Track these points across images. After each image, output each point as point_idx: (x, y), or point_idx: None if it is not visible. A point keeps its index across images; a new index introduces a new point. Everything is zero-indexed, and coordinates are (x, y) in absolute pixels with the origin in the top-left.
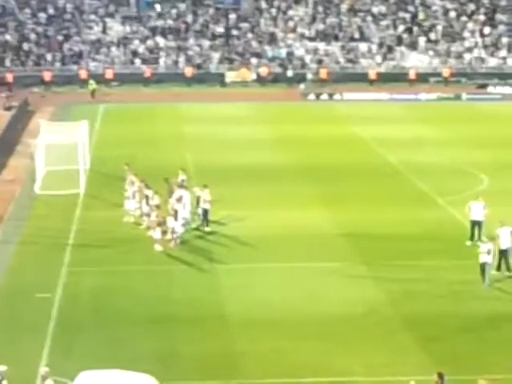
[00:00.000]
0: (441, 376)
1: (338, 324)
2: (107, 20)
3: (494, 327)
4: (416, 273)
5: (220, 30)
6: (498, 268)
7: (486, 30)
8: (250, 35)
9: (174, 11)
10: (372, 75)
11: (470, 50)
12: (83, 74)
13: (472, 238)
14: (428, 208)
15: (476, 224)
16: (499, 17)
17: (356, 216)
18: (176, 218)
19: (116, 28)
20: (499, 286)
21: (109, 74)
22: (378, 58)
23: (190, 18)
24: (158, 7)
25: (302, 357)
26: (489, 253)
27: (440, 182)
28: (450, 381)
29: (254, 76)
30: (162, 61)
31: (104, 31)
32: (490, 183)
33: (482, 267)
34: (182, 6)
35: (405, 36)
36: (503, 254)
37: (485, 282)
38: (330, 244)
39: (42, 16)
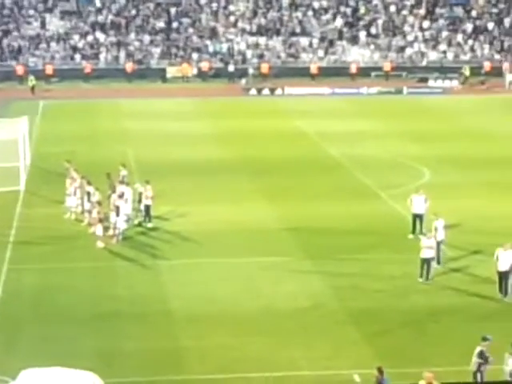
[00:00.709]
0: (380, 371)
1: (283, 318)
2: (46, 15)
3: (435, 320)
4: (359, 267)
5: (161, 25)
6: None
7: (426, 24)
8: (190, 30)
9: (114, 6)
10: (313, 70)
11: (410, 44)
12: (20, 69)
13: (414, 231)
14: (370, 202)
15: (417, 217)
16: (439, 11)
17: (299, 210)
18: (118, 214)
19: (55, 23)
20: (438, 280)
21: (48, 70)
22: (320, 53)
23: (130, 13)
24: (97, 2)
25: (247, 352)
26: (431, 248)
27: (382, 175)
28: (392, 374)
29: (195, 71)
30: (102, 56)
31: (43, 26)
32: (431, 176)
33: (425, 262)
34: (122, 1)
35: (346, 30)
36: (438, 245)
37: (424, 276)
38: (273, 238)
39: None
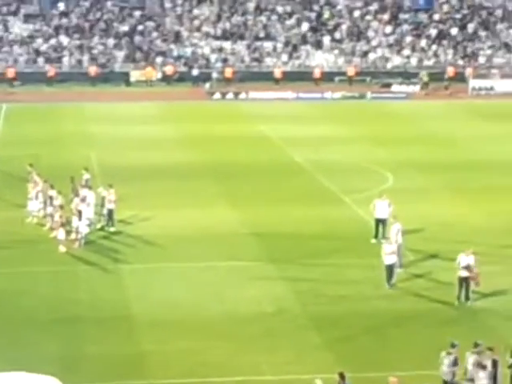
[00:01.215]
0: (342, 376)
1: (245, 323)
2: (9, 18)
3: (397, 325)
4: (322, 271)
5: (125, 28)
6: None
7: (390, 29)
8: (154, 34)
9: (78, 10)
10: (277, 74)
11: (374, 49)
12: None
13: (377, 235)
14: (334, 206)
15: (380, 222)
16: (403, 16)
17: (263, 214)
18: (80, 219)
19: (19, 26)
20: (402, 286)
21: (11, 73)
22: (284, 57)
23: (94, 17)
24: (61, 5)
25: (209, 356)
26: (393, 253)
27: (346, 180)
28: (354, 378)
29: (159, 75)
30: (65, 60)
31: (6, 29)
32: (394, 181)
33: (388, 268)
34: (86, 5)
35: (310, 35)
36: (398, 249)
37: (390, 282)
38: (237, 243)
39: None
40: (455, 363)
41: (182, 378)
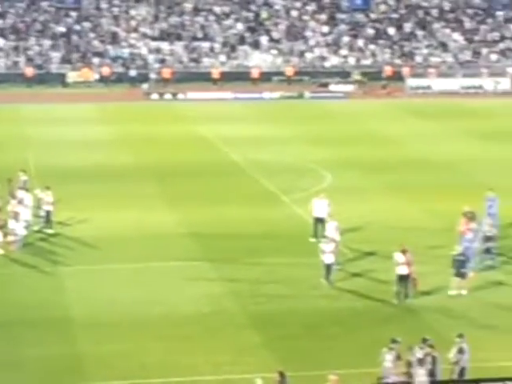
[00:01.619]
0: (282, 375)
1: (184, 323)
2: None
3: (337, 323)
4: (261, 270)
5: (61, 29)
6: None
7: (328, 29)
8: (91, 35)
9: (13, 11)
10: (215, 74)
11: (312, 48)
12: None
13: (315, 235)
14: (273, 206)
15: (319, 221)
16: (340, 16)
17: (201, 215)
18: (17, 221)
19: None
20: (340, 284)
21: None
22: (222, 58)
23: (30, 18)
24: None
25: (148, 357)
26: (332, 252)
27: (284, 179)
28: (295, 377)
29: (96, 76)
30: (1, 61)
31: None
32: (333, 180)
33: (327, 267)
34: (22, 6)
35: (247, 35)
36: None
37: (329, 280)
38: (175, 243)
39: None
40: (398, 359)
41: (121, 380)
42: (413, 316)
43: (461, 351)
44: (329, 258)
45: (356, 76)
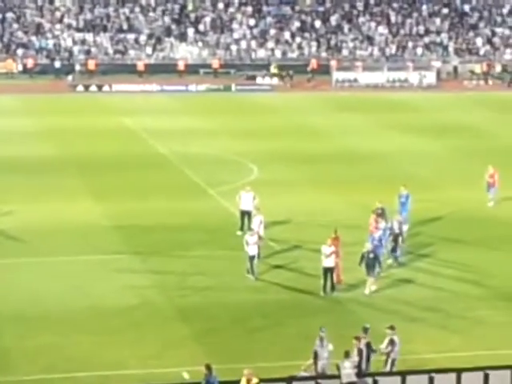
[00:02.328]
0: (208, 368)
1: (110, 316)
2: None
3: (264, 316)
4: (187, 263)
5: None
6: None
7: (254, 21)
8: (15, 26)
9: None
10: (140, 67)
11: (238, 41)
12: None
13: (242, 228)
14: (199, 198)
15: (245, 214)
16: (266, 8)
17: (127, 207)
18: None
19: None
20: (267, 277)
21: None
22: (148, 50)
23: None
24: None
25: (74, 351)
26: (256, 244)
27: (211, 172)
28: (221, 370)
29: (20, 67)
30: None
31: None
32: (259, 173)
33: (251, 259)
34: None
35: (174, 27)
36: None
37: (254, 273)
38: (100, 236)
39: None
40: (369, 347)
41: (45, 374)
42: (339, 308)
43: (392, 343)
44: (253, 250)
45: (273, 69)
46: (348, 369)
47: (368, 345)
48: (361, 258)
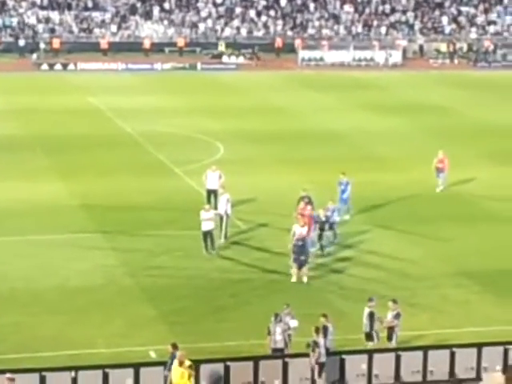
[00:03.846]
0: (175, 347)
1: (76, 296)
2: None
3: (231, 295)
4: (153, 242)
5: None
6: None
7: None
8: None
9: None
10: (104, 45)
11: (204, 19)
12: None
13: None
14: (165, 177)
15: (212, 193)
16: None
17: (92, 187)
18: None
19: None
20: (234, 256)
21: None
22: (113, 28)
23: None
24: None
25: (40, 330)
26: (211, 219)
27: (177, 151)
28: (187, 349)
29: None
30: None
31: None
32: (225, 152)
33: (207, 234)
34: None
35: (139, 5)
36: (223, 219)
37: (209, 249)
38: (65, 215)
39: None
40: (372, 316)
41: (12, 353)
42: (306, 287)
43: (398, 316)
44: (207, 225)
45: (221, 47)
46: (322, 347)
47: (371, 314)
48: (291, 247)
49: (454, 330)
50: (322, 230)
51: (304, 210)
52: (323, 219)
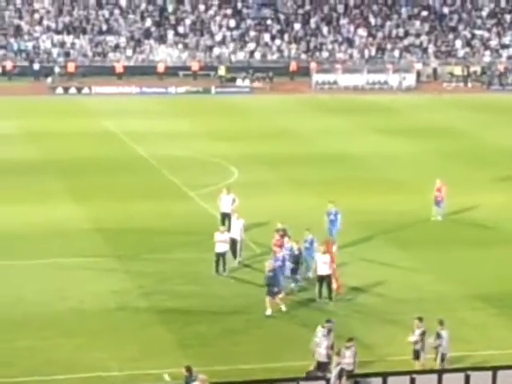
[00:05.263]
0: (189, 369)
1: (90, 319)
2: None
3: (244, 320)
4: (168, 266)
5: None
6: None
7: (234, 23)
8: None
9: None
10: (119, 69)
11: (218, 43)
12: None
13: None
14: (180, 201)
15: (226, 216)
16: (246, 11)
17: (107, 210)
18: None
19: None
20: (245, 280)
21: None
22: (128, 52)
23: None
24: None
25: (54, 354)
26: (225, 242)
27: (191, 175)
28: (202, 372)
29: None
30: None
31: None
32: (239, 175)
33: (219, 256)
34: None
35: (153, 29)
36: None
37: (225, 268)
38: (80, 239)
39: None
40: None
41: (26, 377)
42: (318, 314)
43: (439, 337)
44: (220, 247)
45: (220, 71)
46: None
47: (423, 333)
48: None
49: (470, 352)
50: (296, 263)
51: (278, 241)
52: (296, 252)
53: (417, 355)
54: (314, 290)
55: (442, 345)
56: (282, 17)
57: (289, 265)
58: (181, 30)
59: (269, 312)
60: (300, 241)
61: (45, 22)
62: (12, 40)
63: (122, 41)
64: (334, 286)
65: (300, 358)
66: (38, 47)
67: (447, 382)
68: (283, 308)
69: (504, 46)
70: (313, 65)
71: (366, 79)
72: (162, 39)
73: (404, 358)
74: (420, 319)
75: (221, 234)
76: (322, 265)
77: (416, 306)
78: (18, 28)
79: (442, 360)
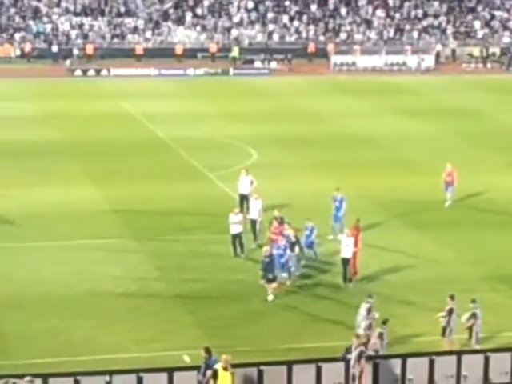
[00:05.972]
0: (208, 351)
1: (110, 301)
2: None
3: (263, 300)
4: (187, 247)
5: None
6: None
7: (252, 5)
8: (12, 10)
9: None
10: (138, 51)
11: (236, 25)
12: None
13: (241, 211)
14: (198, 182)
15: (244, 198)
16: None
17: (126, 192)
18: None
19: None
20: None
21: None
22: (147, 34)
23: None
24: None
25: (75, 334)
26: (240, 223)
27: (210, 156)
28: (222, 353)
29: (17, 52)
30: None
31: None
32: (258, 157)
33: (235, 237)
34: None
35: (172, 11)
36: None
37: (243, 250)
38: (100, 220)
39: None
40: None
41: (47, 357)
42: (339, 295)
43: (474, 316)
44: (235, 229)
45: (234, 52)
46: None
47: (451, 310)
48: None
49: (490, 334)
50: (292, 251)
51: (277, 229)
52: (293, 240)
53: (444, 332)
54: (334, 272)
55: (476, 324)
56: None
57: (289, 254)
58: (199, 11)
59: (270, 298)
60: (302, 229)
61: (63, 4)
62: (31, 22)
63: (140, 23)
64: (351, 270)
65: (320, 340)
66: (57, 29)
67: (466, 363)
68: (270, 298)
69: None
70: (331, 46)
71: (385, 60)
72: (180, 21)
73: (424, 339)
74: (452, 297)
75: (235, 216)
76: (344, 247)
77: (434, 286)
78: (37, 10)
79: (477, 338)
